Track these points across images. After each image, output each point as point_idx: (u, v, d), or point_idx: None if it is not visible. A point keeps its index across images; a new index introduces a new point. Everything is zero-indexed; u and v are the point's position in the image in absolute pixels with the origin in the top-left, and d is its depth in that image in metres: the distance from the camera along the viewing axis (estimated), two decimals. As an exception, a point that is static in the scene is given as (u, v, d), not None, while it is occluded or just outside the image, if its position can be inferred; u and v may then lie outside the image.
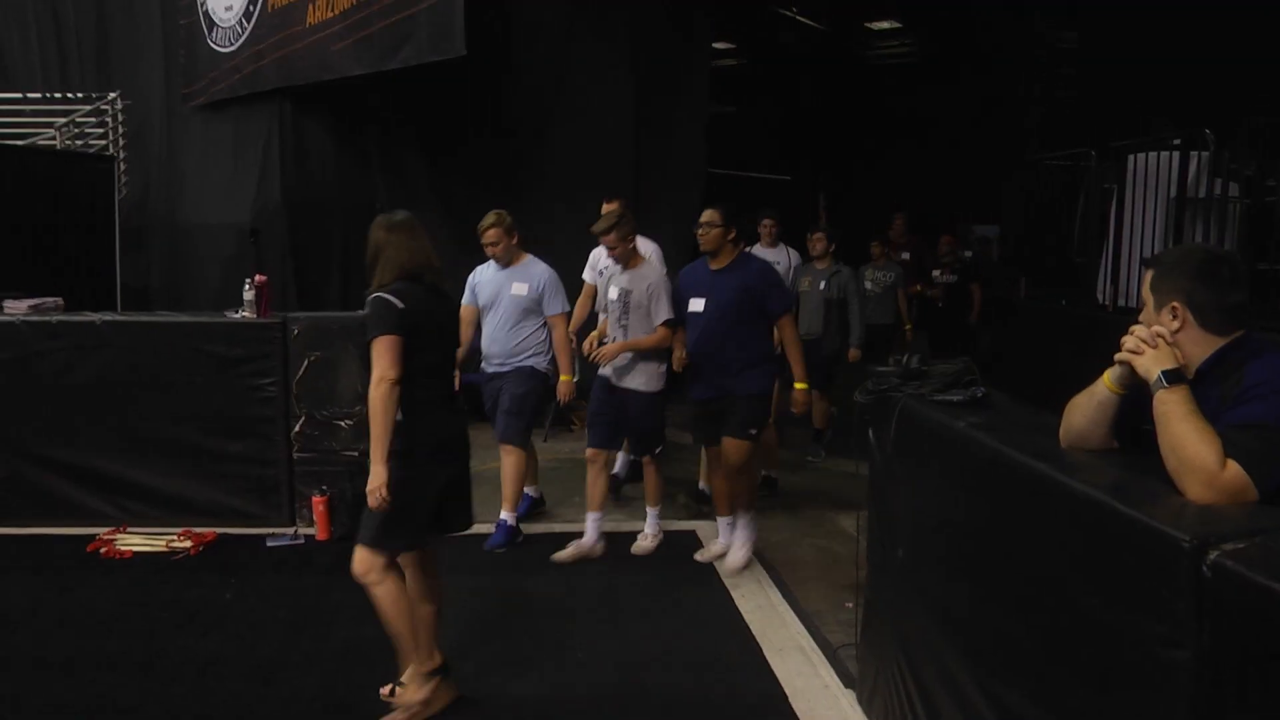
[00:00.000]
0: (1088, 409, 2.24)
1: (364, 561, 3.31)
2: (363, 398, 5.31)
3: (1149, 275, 2.22)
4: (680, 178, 8.43)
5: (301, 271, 8.43)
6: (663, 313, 4.94)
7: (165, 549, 5.14)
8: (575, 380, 5.50)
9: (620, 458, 6.12)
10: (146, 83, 10.39)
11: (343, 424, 5.39)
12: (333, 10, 7.64)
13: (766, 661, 3.94)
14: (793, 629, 4.26)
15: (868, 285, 8.49)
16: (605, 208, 5.79)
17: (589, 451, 5.12)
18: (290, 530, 5.41)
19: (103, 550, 5.11)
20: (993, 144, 12.59)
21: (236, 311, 5.56)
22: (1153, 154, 6.91)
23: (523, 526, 5.37)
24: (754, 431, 4.81)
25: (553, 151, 8.19)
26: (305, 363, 5.38)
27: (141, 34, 10.50)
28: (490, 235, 5.25)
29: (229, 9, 9.04)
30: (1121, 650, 1.81)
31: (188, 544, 5.17)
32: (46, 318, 5.57)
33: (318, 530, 5.30)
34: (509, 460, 5.25)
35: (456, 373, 5.41)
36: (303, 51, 8.05)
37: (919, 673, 2.82)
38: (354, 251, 8.67)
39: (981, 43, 13.82)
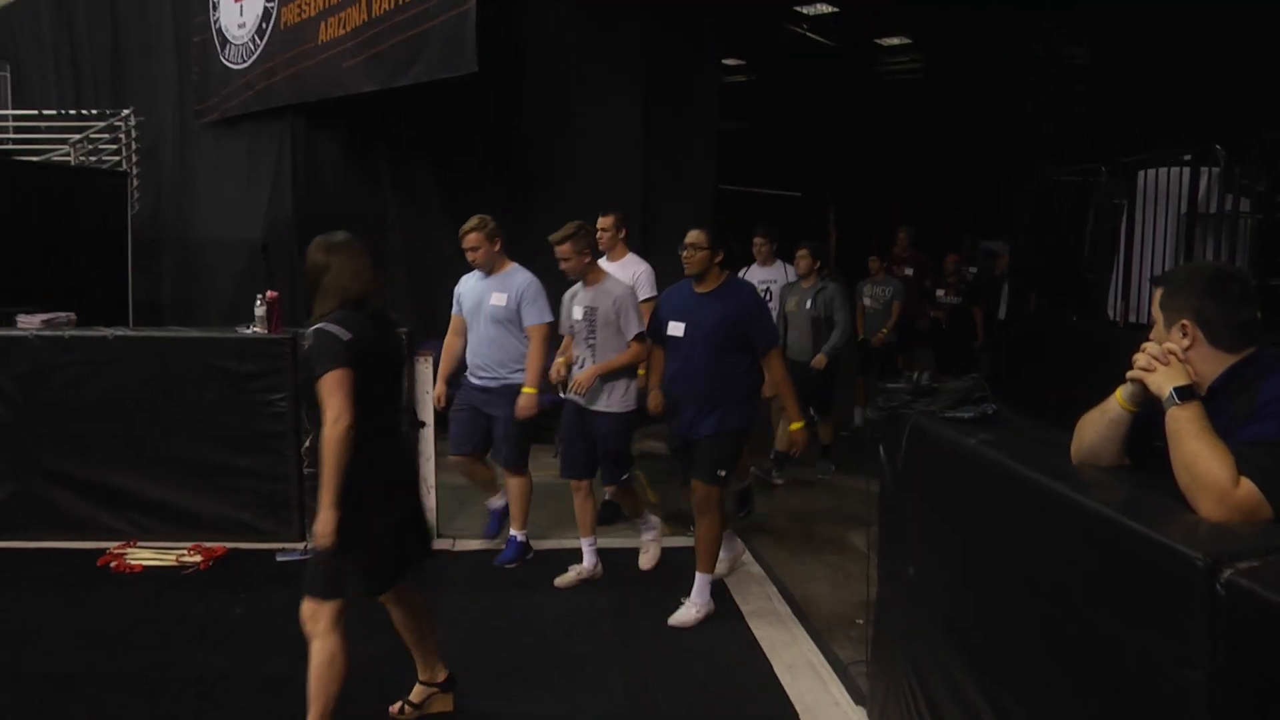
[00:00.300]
0: (1100, 426, 2.23)
1: (309, 609, 3.14)
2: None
3: (1159, 293, 2.22)
4: (690, 193, 8.43)
5: (312, 287, 8.45)
6: (633, 327, 4.75)
7: (175, 564, 5.15)
8: (559, 397, 5.18)
9: None
10: (160, 99, 10.49)
11: (353, 439, 5.39)
12: (345, 28, 7.69)
13: (777, 679, 3.93)
14: (803, 646, 4.25)
15: (866, 301, 8.45)
16: (601, 221, 5.73)
17: (572, 482, 4.97)
18: (300, 545, 5.40)
19: (113, 565, 5.12)
20: (1003, 159, 12.58)
21: (248, 327, 5.58)
22: (1163, 170, 6.89)
23: (533, 543, 5.36)
24: (723, 474, 4.50)
25: (562, 166, 8.21)
26: (316, 378, 5.38)
27: (155, 51, 10.60)
28: (471, 240, 5.05)
29: (242, 26, 9.11)
30: (1135, 669, 1.80)
31: (198, 559, 5.18)
32: (59, 332, 5.60)
33: (327, 545, 5.29)
34: (514, 483, 5.22)
35: (442, 386, 5.36)
36: (315, 68, 8.10)
37: (930, 690, 2.80)
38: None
39: (991, 58, 13.83)
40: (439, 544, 5.42)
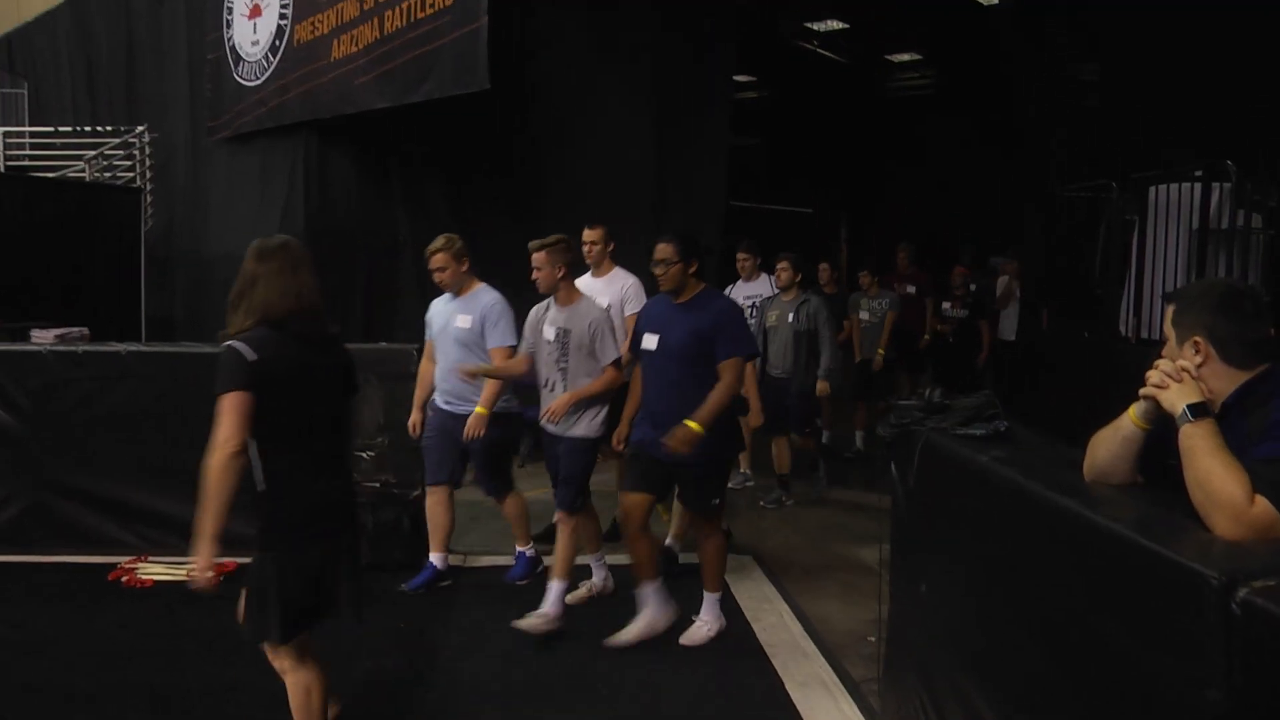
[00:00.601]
0: (1112, 444, 2.22)
1: (269, 653, 3.05)
2: (383, 428, 5.41)
3: (1170, 310, 2.21)
4: (701, 208, 8.44)
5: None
6: (610, 352, 4.53)
7: (186, 578, 5.13)
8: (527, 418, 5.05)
9: None
10: (173, 116, 10.59)
11: (364, 455, 5.39)
12: (357, 45, 7.75)
13: (789, 695, 3.90)
14: (815, 663, 4.22)
15: (864, 316, 8.33)
16: (588, 234, 5.53)
17: None
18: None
19: (124, 579, 5.12)
20: (1013, 175, 12.60)
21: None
22: (1174, 185, 6.89)
23: (544, 559, 5.35)
24: (716, 501, 4.39)
25: (574, 182, 8.21)
26: (327, 393, 5.39)
27: (168, 69, 10.71)
28: (437, 260, 4.90)
29: (255, 44, 9.19)
30: (1150, 689, 1.79)
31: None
32: (72, 347, 5.64)
33: (338, 560, 5.29)
34: (506, 506, 5.17)
35: (417, 414, 5.26)
36: (327, 85, 8.16)
37: (942, 708, 2.79)
38: (377, 282, 8.75)
39: (1002, 74, 13.86)
40: (450, 558, 5.43)
